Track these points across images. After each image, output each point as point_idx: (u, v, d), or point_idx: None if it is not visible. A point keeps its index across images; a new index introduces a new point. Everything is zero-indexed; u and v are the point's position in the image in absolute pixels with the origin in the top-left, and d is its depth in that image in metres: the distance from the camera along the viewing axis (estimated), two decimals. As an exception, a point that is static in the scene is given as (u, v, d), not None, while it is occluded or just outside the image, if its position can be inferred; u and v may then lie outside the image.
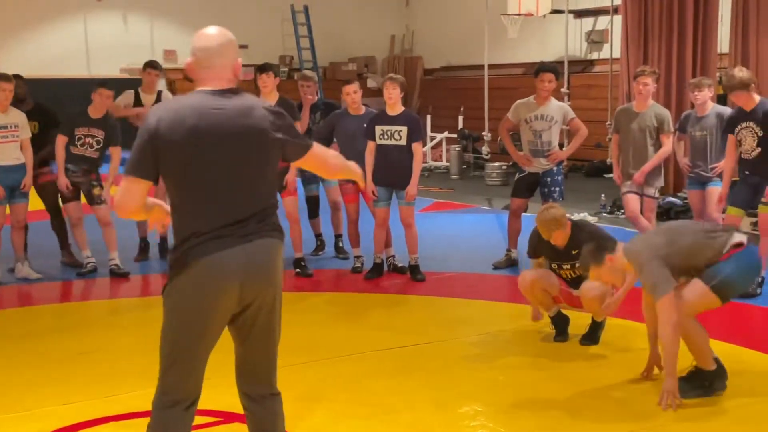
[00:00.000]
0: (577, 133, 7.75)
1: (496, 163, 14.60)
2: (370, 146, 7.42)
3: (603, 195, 11.00)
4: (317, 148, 3.47)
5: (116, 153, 7.77)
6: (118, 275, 7.73)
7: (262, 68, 7.63)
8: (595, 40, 16.59)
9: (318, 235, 8.55)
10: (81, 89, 9.36)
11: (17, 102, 7.77)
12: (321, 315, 6.69)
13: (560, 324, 5.82)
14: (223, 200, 3.22)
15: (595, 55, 16.85)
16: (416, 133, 7.37)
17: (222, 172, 3.21)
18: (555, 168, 7.68)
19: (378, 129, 7.38)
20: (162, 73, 8.64)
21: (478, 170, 15.38)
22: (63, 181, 7.63)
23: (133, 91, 8.52)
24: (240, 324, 3.39)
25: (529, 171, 7.75)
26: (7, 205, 7.53)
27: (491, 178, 14.34)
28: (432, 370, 5.31)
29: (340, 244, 8.59)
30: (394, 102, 7.35)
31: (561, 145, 8.61)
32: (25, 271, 7.71)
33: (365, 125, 7.45)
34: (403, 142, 7.33)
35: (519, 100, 7.84)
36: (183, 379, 3.40)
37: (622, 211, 10.47)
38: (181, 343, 3.36)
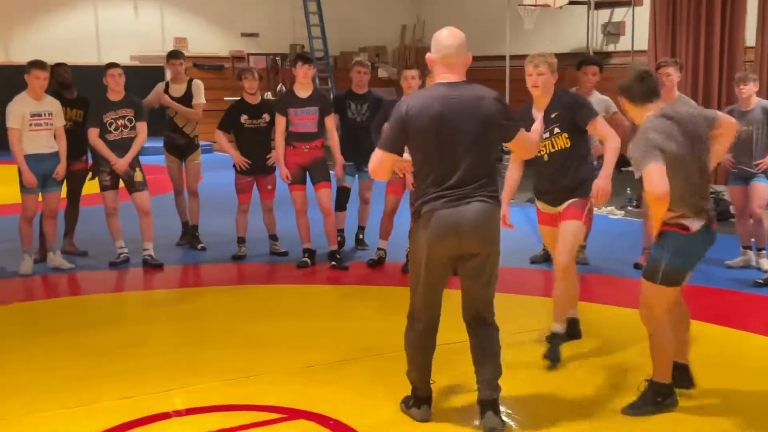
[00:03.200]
0: (617, 129, 7.62)
1: (515, 155, 14.48)
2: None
3: (628, 189, 10.90)
4: (522, 131, 4.22)
5: (143, 129, 7.66)
6: (152, 266, 7.62)
7: (304, 59, 7.51)
8: (612, 32, 16.48)
9: (341, 230, 8.45)
10: (91, 77, 9.22)
11: (62, 88, 7.65)
12: (366, 309, 6.57)
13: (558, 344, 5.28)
14: (454, 169, 4.02)
15: (611, 47, 16.75)
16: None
17: (457, 148, 4.01)
18: (595, 162, 7.56)
19: (419, 119, 7.28)
20: (185, 61, 8.47)
21: (497, 163, 15.25)
22: (123, 165, 7.50)
23: (164, 83, 8.39)
24: (462, 268, 4.16)
25: (567, 165, 7.63)
26: (40, 194, 7.42)
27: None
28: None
29: (361, 236, 8.50)
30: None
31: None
32: (57, 260, 7.61)
33: None
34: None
35: (560, 92, 7.70)
36: (423, 302, 4.26)
37: (649, 205, 10.43)
38: (417, 273, 4.19)
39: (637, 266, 7.44)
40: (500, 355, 4.28)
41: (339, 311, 6.54)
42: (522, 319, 6.20)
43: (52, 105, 7.36)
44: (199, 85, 8.29)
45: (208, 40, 19.74)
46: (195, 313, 6.45)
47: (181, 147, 8.26)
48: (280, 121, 7.47)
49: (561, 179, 5.31)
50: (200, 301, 6.80)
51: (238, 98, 8.02)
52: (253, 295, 6.96)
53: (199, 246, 8.34)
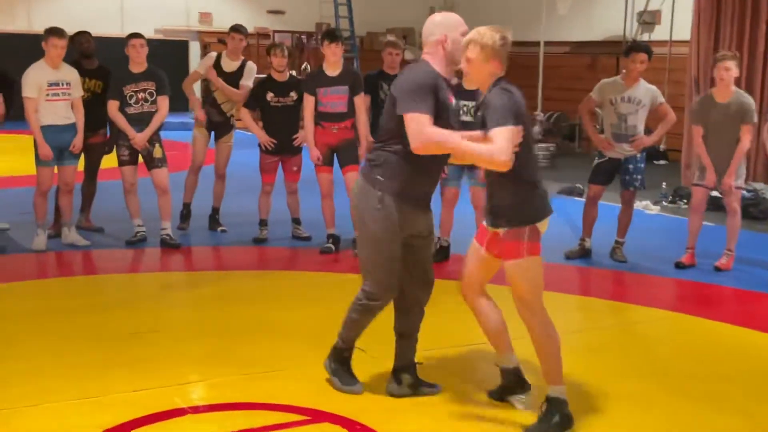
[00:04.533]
0: (664, 119, 7.25)
1: (544, 144, 14.12)
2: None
3: (664, 183, 10.50)
4: (415, 115, 3.95)
5: (164, 103, 7.33)
6: (170, 246, 7.32)
7: (331, 37, 7.12)
8: (647, 20, 16.02)
9: None
10: (114, 49, 8.85)
11: (83, 57, 7.33)
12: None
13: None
14: None
15: (645, 36, 16.28)
16: (492, 111, 6.91)
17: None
18: (639, 155, 7.21)
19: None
20: (246, 38, 8.03)
21: (522, 150, 14.90)
22: (141, 140, 7.19)
23: (214, 54, 7.98)
24: None
25: (609, 156, 7.27)
26: (56, 167, 7.12)
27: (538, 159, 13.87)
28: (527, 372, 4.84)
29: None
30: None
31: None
32: (73, 237, 7.31)
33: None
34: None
35: (605, 80, 7.36)
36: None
37: (685, 200, 10.04)
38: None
39: (678, 266, 7.07)
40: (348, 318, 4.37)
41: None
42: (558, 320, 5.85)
43: (71, 74, 7.04)
44: (251, 68, 7.89)
45: (233, 16, 19.30)
46: (213, 298, 6.14)
47: (216, 124, 7.89)
48: (309, 101, 7.12)
49: (489, 197, 4.17)
50: (219, 285, 6.48)
51: (266, 75, 7.68)
52: (274, 281, 6.64)
53: (219, 229, 8.02)
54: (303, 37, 19.71)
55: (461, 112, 6.88)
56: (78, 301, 5.96)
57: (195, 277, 6.88)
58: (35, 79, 6.85)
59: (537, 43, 16.24)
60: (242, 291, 6.32)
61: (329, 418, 4.04)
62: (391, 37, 8.24)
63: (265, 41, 19.58)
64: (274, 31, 19.69)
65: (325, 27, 20.22)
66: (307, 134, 7.20)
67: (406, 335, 4.42)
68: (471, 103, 6.86)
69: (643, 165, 7.24)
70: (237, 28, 7.89)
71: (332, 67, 7.16)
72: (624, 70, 7.37)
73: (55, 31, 6.92)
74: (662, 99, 7.20)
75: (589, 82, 16.21)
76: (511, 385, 4.29)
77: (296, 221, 7.90)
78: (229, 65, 7.78)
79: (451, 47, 4.07)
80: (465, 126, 6.76)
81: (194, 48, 19.45)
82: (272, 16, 19.93)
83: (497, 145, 3.75)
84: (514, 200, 3.99)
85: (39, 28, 18.04)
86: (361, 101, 7.21)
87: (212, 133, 7.96)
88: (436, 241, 7.25)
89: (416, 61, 4.34)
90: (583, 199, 10.09)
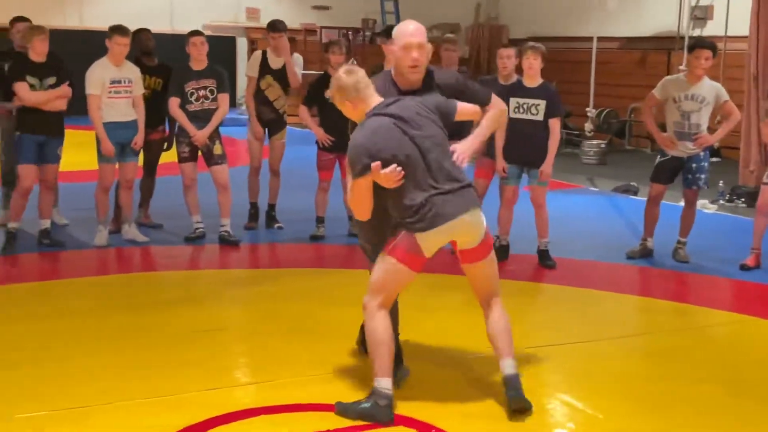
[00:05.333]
0: (729, 118, 7.12)
1: (594, 141, 13.98)
2: (503, 120, 6.89)
3: (721, 182, 10.32)
4: None
5: (224, 100, 7.34)
6: (228, 243, 7.34)
7: (389, 33, 7.07)
8: (699, 16, 15.77)
9: None
10: (163, 45, 8.85)
11: (143, 55, 7.37)
12: (448, 300, 6.17)
13: None
14: None
15: (697, 32, 16.02)
16: (555, 108, 6.83)
17: None
18: (702, 153, 7.08)
19: (513, 101, 6.84)
20: (286, 33, 7.97)
21: (569, 147, 14.76)
22: (202, 138, 7.22)
23: (259, 52, 7.95)
24: None
25: (672, 155, 7.15)
26: (117, 163, 7.17)
27: (587, 156, 13.75)
28: (591, 377, 4.78)
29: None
30: (534, 73, 6.81)
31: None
32: (133, 233, 7.36)
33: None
34: (540, 117, 6.80)
35: (668, 77, 7.24)
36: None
37: (743, 199, 9.86)
38: None
39: (743, 267, 6.93)
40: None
41: (424, 302, 6.15)
42: (620, 322, 5.79)
43: (132, 72, 7.09)
44: (297, 58, 7.87)
45: (280, 12, 19.31)
46: (273, 296, 6.13)
47: (268, 122, 7.89)
48: None
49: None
50: (279, 283, 6.47)
51: (323, 72, 7.66)
52: (333, 279, 6.62)
53: (276, 225, 8.03)
54: (349, 33, 19.69)
55: (520, 109, 6.81)
56: (139, 299, 5.99)
57: (254, 274, 6.89)
58: (98, 77, 6.90)
59: (587, 39, 16.09)
60: (301, 288, 6.31)
61: (405, 421, 4.00)
62: (449, 35, 8.19)
63: (312, 37, 19.62)
64: (321, 27, 19.70)
65: (371, 23, 20.22)
66: None
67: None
68: (531, 101, 6.80)
69: (706, 164, 7.12)
70: (275, 27, 7.80)
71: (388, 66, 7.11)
72: (681, 67, 7.24)
73: (119, 29, 6.96)
74: (726, 97, 7.07)
75: (639, 79, 16.13)
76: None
77: (352, 218, 7.88)
78: (276, 62, 7.77)
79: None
80: (521, 123, 6.75)
81: (242, 44, 19.52)
82: (318, 12, 19.94)
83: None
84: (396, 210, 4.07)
85: (90, 24, 18.28)
86: None
87: (266, 130, 7.96)
88: (495, 240, 7.20)
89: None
90: (639, 198, 10.00)
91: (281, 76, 7.75)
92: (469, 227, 4.05)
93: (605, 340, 5.36)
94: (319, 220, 7.79)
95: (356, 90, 4.09)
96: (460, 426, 4.00)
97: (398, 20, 19.52)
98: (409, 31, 4.23)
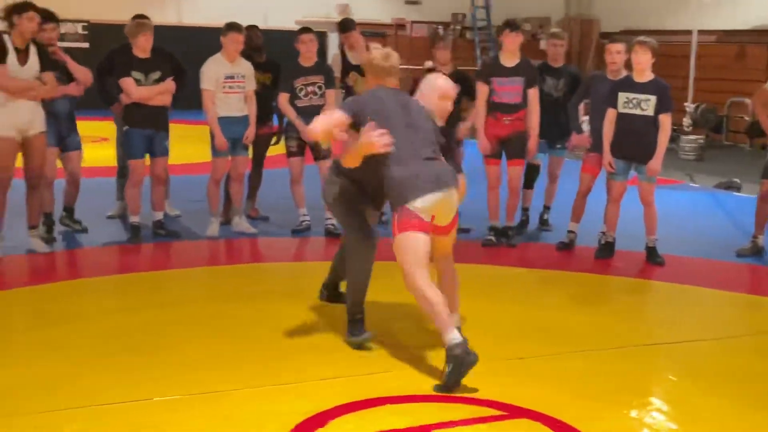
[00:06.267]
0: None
1: (692, 136, 13.71)
2: (610, 115, 6.85)
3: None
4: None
5: (331, 97, 7.46)
6: (334, 235, 7.45)
7: (512, 26, 7.14)
8: (800, 7, 15.32)
9: (525, 209, 8.03)
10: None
11: (252, 51, 7.54)
12: (559, 297, 6.17)
13: None
14: None
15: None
16: (665, 104, 6.74)
17: None
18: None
19: (622, 96, 6.79)
20: (355, 29, 8.09)
21: (666, 142, 14.49)
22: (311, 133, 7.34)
23: (339, 52, 8.09)
24: None
25: (786, 151, 7.00)
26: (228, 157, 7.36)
27: (685, 151, 13.51)
28: (722, 377, 4.72)
29: (546, 217, 8.11)
30: (642, 68, 6.74)
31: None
32: (243, 225, 7.55)
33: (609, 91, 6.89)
34: (650, 112, 6.72)
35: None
36: None
37: None
38: None
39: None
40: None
41: (529, 297, 6.18)
42: (731, 321, 5.70)
43: (246, 68, 7.26)
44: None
45: (371, 6, 19.55)
46: (383, 288, 6.16)
47: None
48: (482, 90, 7.12)
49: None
50: (386, 275, 6.42)
51: (429, 67, 7.70)
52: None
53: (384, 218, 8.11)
54: (440, 27, 19.68)
55: (629, 104, 6.75)
56: (250, 288, 6.12)
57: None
58: (213, 72, 7.09)
59: (683, 32, 15.76)
60: (398, 283, 6.34)
61: (527, 414, 4.04)
62: (555, 29, 8.15)
63: (402, 32, 19.70)
64: (412, 22, 19.76)
65: (461, 17, 20.20)
66: (477, 123, 7.20)
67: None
68: (641, 96, 6.73)
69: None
70: (345, 27, 7.85)
71: (509, 57, 7.14)
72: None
73: (234, 26, 7.14)
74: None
75: (736, 73, 15.75)
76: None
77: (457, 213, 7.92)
78: (355, 58, 7.85)
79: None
80: (630, 118, 6.69)
81: (332, 39, 19.68)
82: (409, 6, 19.99)
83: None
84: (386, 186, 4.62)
85: (188, 21, 18.67)
86: (536, 95, 7.14)
87: None
88: (600, 236, 7.17)
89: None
90: (742, 195, 9.80)
91: (361, 72, 7.85)
92: (444, 204, 4.56)
93: (718, 339, 5.30)
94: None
95: (387, 72, 4.75)
96: (585, 419, 4.01)
97: (489, 15, 19.51)
98: (451, 86, 4.91)
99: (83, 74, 6.97)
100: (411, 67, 14.24)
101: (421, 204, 4.45)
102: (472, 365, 4.21)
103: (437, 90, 4.87)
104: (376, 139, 4.44)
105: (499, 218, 7.37)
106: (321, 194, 5.16)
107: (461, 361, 4.21)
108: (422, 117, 4.68)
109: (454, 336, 4.29)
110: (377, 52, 4.81)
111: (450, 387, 4.24)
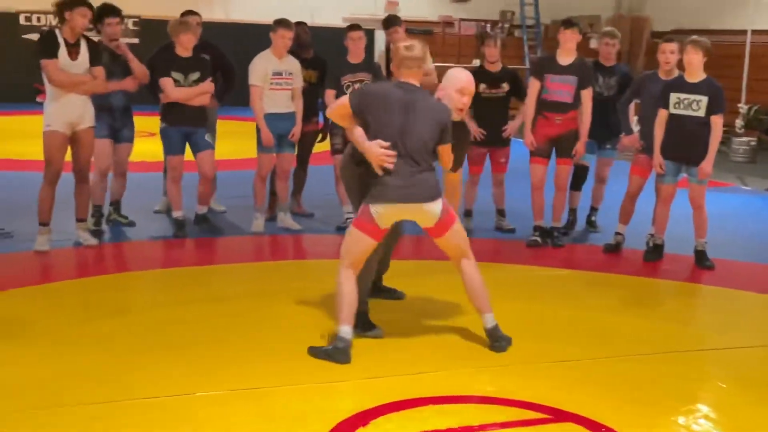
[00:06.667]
0: None
1: (745, 138, 13.46)
2: (662, 115, 6.73)
3: None
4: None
5: None
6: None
7: (568, 23, 7.13)
8: None
9: (573, 210, 7.94)
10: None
11: (300, 48, 7.55)
12: (602, 300, 6.07)
13: None
14: None
15: None
16: (718, 105, 6.61)
17: None
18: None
19: (673, 97, 6.68)
20: (401, 26, 8.01)
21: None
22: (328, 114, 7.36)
23: (384, 49, 8.05)
24: None
25: (843, 155, 6.82)
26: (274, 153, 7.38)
27: (737, 154, 13.28)
28: (757, 383, 4.61)
29: (593, 218, 8.01)
30: (694, 68, 6.62)
31: None
32: (288, 221, 7.57)
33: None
34: (701, 113, 6.60)
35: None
36: None
37: None
38: None
39: None
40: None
41: (575, 299, 6.09)
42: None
43: (293, 65, 7.27)
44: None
45: (418, 4, 19.50)
46: (429, 287, 6.14)
47: None
48: (534, 86, 7.06)
49: None
50: (430, 275, 6.50)
51: (478, 65, 7.67)
52: (486, 273, 6.51)
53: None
54: (487, 25, 19.60)
55: (680, 105, 6.63)
56: (294, 284, 6.09)
57: (403, 265, 6.86)
58: (261, 68, 7.11)
59: (737, 32, 15.47)
60: (448, 282, 6.26)
61: (572, 418, 3.98)
62: (608, 28, 8.05)
63: (450, 30, 19.63)
64: (459, 20, 19.67)
65: (509, 15, 20.05)
66: (526, 118, 7.15)
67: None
68: (692, 97, 6.61)
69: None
70: (390, 23, 7.80)
71: (565, 55, 7.07)
72: None
73: (283, 23, 7.16)
74: None
75: (791, 73, 15.39)
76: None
77: (501, 213, 7.87)
78: None
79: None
80: (681, 119, 6.57)
81: (380, 36, 19.66)
82: (456, 4, 19.91)
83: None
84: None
85: (236, 17, 18.79)
86: (589, 96, 7.06)
87: None
88: (649, 239, 7.06)
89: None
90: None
91: None
92: (414, 214, 4.72)
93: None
94: (467, 213, 7.80)
95: (406, 64, 4.74)
96: (630, 424, 3.95)
97: (537, 12, 19.36)
98: (469, 81, 4.96)
99: (141, 71, 7.05)
100: (459, 65, 14.10)
101: (382, 210, 4.64)
102: (336, 361, 4.52)
103: (456, 83, 4.91)
104: (380, 157, 4.59)
105: (544, 217, 7.30)
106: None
107: (329, 354, 4.57)
108: (424, 121, 4.65)
109: (344, 331, 4.62)
110: (402, 42, 4.85)
111: (315, 356, 4.60)
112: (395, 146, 4.62)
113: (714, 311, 6.01)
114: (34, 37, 14.35)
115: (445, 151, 4.83)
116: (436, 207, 4.69)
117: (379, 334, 4.96)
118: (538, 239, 7.30)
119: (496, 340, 4.83)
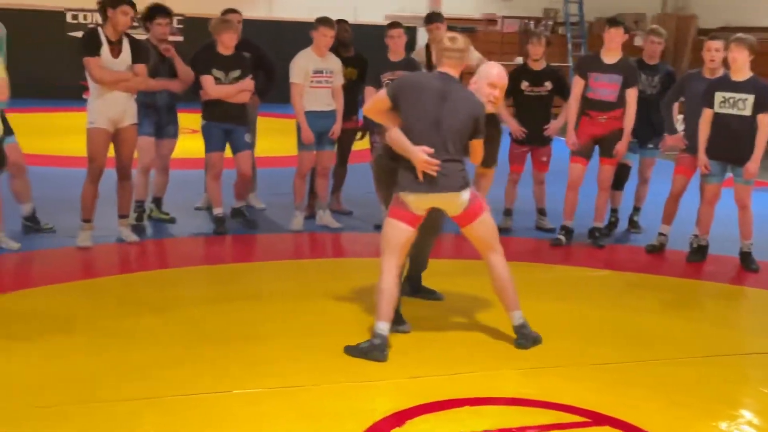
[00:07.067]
0: None
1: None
2: (707, 114, 6.62)
3: None
4: None
5: None
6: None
7: (614, 22, 7.04)
8: None
9: (615, 210, 7.83)
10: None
11: (340, 46, 7.55)
12: (644, 301, 5.98)
13: None
14: None
15: None
16: (764, 103, 6.47)
17: None
18: None
19: (719, 96, 6.56)
20: (443, 23, 7.94)
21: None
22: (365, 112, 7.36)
23: (424, 46, 8.01)
24: None
25: None
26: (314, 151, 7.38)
27: (784, 153, 12.97)
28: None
29: (636, 218, 7.90)
30: (739, 67, 6.49)
31: None
32: (327, 219, 7.57)
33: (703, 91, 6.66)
34: (747, 112, 6.48)
35: None
36: None
37: None
38: None
39: None
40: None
41: (617, 300, 6.01)
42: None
43: (334, 63, 7.27)
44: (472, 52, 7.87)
45: (461, 2, 19.41)
46: (467, 287, 6.10)
47: None
48: (578, 84, 6.99)
49: None
50: (469, 275, 6.44)
51: (521, 63, 7.60)
52: (526, 273, 6.51)
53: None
54: (531, 23, 19.44)
55: (726, 104, 6.51)
56: (333, 283, 6.06)
57: (441, 265, 6.83)
58: (302, 66, 7.12)
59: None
60: (487, 282, 6.17)
61: (611, 422, 3.93)
62: (654, 26, 7.93)
63: (493, 28, 19.50)
64: (502, 17, 19.55)
65: (553, 12, 19.88)
66: (569, 116, 7.08)
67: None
68: (738, 95, 6.50)
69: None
70: (431, 19, 7.72)
71: (610, 53, 6.99)
72: None
73: (325, 21, 7.16)
74: None
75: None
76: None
77: (541, 212, 7.81)
78: None
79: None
80: (726, 118, 6.45)
81: (422, 34, 19.62)
82: (500, 1, 19.79)
83: None
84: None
85: (278, 15, 18.84)
86: (634, 94, 6.96)
87: None
88: (692, 240, 6.95)
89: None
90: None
91: None
92: (442, 203, 4.76)
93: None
94: (507, 212, 7.74)
95: (448, 54, 4.76)
96: (671, 430, 3.88)
97: (581, 9, 19.16)
98: (501, 75, 4.96)
99: (187, 74, 7.11)
100: (502, 63, 14.00)
101: (413, 198, 4.70)
102: (373, 359, 4.52)
103: (488, 77, 4.93)
104: (423, 163, 4.61)
105: (574, 218, 7.24)
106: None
107: (366, 351, 4.56)
108: (458, 111, 4.68)
109: (381, 327, 4.61)
110: (447, 35, 4.89)
111: (351, 354, 4.59)
112: (425, 137, 4.65)
113: (758, 314, 5.90)
114: (80, 34, 14.53)
115: (477, 145, 4.84)
116: (464, 195, 4.74)
117: (406, 329, 4.99)
118: (562, 238, 7.23)
119: (522, 338, 4.84)
